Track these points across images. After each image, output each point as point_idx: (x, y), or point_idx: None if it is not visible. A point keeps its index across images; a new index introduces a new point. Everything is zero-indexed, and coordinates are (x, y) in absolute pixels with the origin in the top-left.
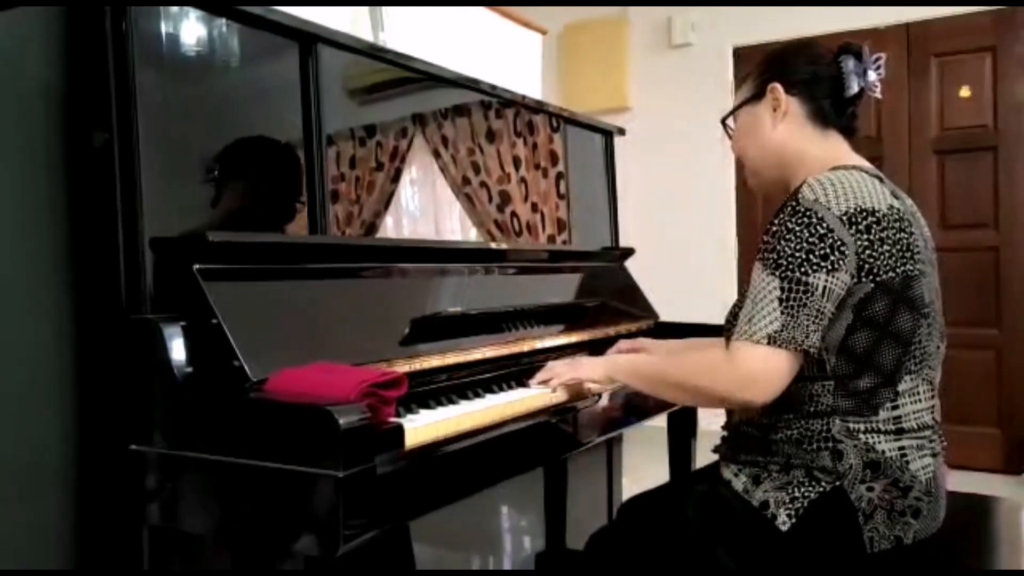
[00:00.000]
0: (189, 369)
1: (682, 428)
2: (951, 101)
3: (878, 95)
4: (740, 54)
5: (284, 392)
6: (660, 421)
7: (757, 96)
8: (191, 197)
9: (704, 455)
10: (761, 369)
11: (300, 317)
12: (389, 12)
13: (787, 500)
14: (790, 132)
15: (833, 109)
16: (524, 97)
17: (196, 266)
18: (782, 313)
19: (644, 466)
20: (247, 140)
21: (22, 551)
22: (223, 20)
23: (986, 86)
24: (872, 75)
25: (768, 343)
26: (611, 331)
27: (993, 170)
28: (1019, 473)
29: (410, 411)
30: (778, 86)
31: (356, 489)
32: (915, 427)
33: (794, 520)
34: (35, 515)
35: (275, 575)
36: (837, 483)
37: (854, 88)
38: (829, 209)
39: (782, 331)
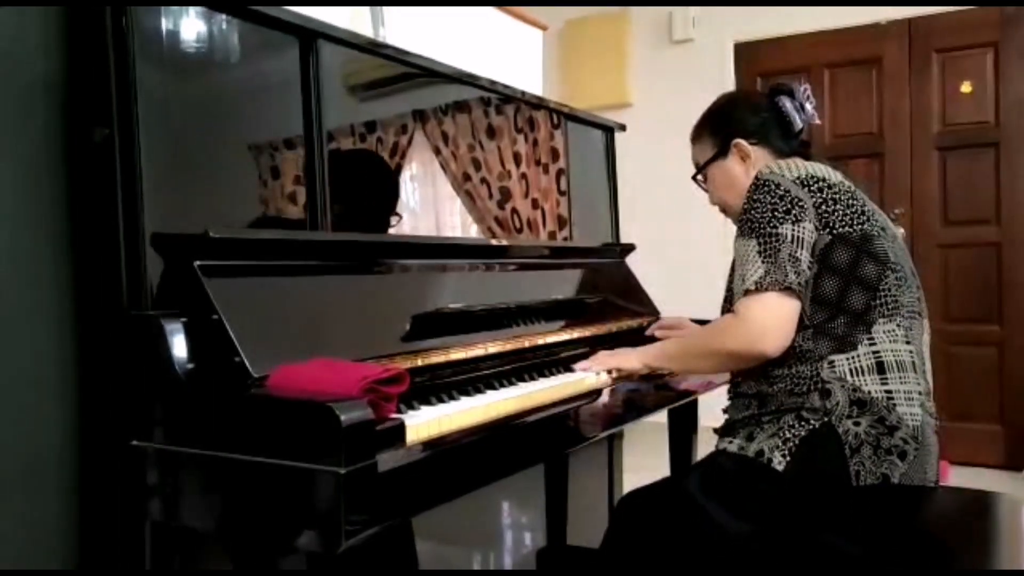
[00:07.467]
0: (190, 365)
1: (683, 424)
2: (953, 97)
3: (818, 121)
4: (741, 50)
5: (285, 388)
6: (661, 417)
7: (722, 153)
8: (192, 193)
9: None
10: (759, 312)
11: (301, 313)
12: (389, 8)
13: (780, 443)
14: None
15: (787, 145)
16: (525, 93)
17: (197, 262)
18: (763, 262)
19: (645, 462)
20: (247, 136)
21: (23, 548)
22: (223, 16)
23: (988, 82)
24: (808, 107)
25: (756, 289)
26: (612, 327)
27: (995, 166)
28: (1020, 469)
29: (412, 407)
30: (741, 141)
31: (358, 485)
32: (895, 364)
33: (788, 458)
34: (36, 511)
35: (277, 573)
36: (825, 419)
37: (798, 124)
38: (784, 176)
39: (766, 276)
